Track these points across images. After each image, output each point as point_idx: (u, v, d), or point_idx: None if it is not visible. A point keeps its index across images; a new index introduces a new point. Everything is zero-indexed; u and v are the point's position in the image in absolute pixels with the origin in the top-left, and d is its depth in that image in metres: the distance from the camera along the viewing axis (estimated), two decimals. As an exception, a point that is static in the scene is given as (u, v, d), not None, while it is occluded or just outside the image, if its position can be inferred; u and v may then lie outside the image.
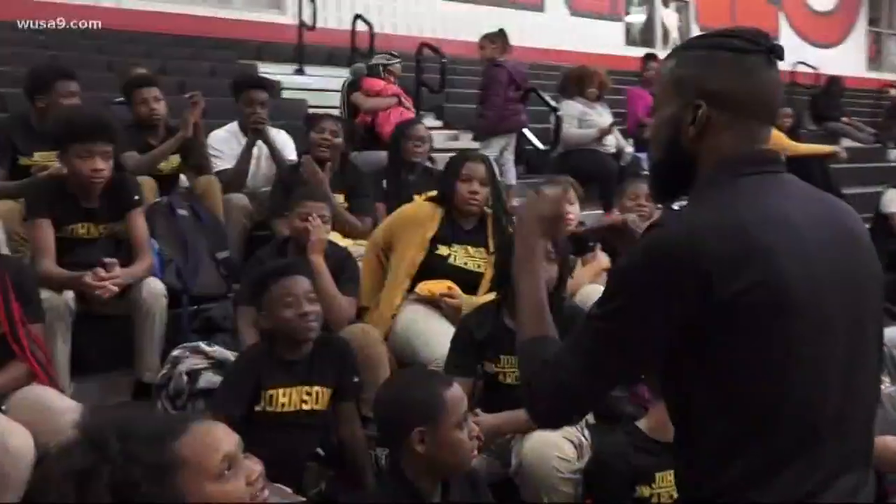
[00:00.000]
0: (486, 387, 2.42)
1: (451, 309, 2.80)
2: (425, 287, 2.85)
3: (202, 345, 2.56)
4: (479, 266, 2.95)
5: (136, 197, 2.89)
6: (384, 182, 3.87)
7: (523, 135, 5.72)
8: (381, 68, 5.34)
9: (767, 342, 1.11)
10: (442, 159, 4.02)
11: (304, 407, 2.26)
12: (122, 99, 4.03)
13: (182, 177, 3.84)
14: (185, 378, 2.48)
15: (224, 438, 1.17)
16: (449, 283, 2.86)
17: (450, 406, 1.67)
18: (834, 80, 9.24)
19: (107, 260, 2.61)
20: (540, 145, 5.85)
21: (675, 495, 1.31)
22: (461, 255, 2.95)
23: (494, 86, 5.26)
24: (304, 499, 2.11)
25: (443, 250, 2.94)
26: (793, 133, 6.43)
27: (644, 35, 12.23)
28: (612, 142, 5.56)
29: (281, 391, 2.24)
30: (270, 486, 2.07)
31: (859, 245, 1.23)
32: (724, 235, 1.11)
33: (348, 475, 2.31)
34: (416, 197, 3.54)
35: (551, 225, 1.35)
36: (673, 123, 1.24)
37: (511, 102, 5.31)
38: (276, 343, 2.31)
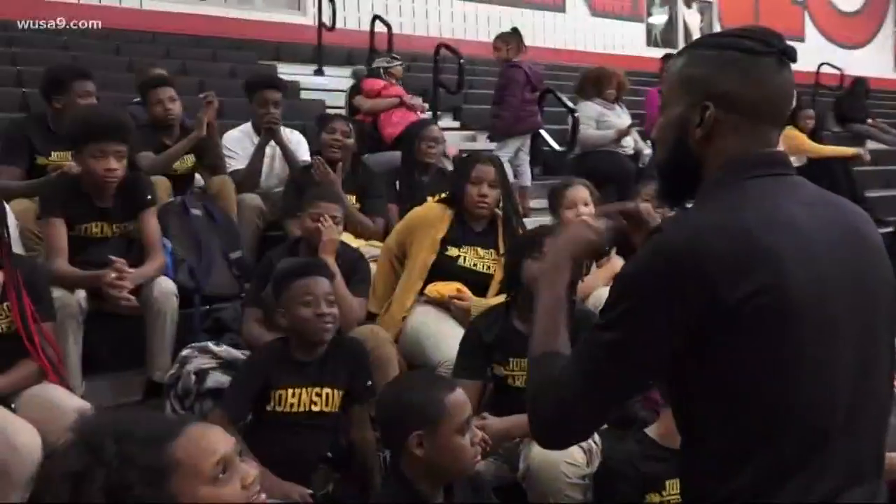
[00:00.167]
0: (495, 390, 2.41)
1: (460, 311, 2.79)
2: (434, 289, 2.85)
3: (210, 345, 2.57)
4: (488, 268, 2.94)
5: (149, 197, 2.90)
6: (396, 183, 3.86)
7: (539, 136, 5.69)
8: (381, 71, 5.35)
9: (773, 346, 1.08)
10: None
11: (314, 408, 2.25)
12: (139, 99, 4.06)
13: (197, 176, 3.86)
14: (192, 378, 2.49)
15: (219, 441, 1.17)
16: (458, 284, 2.85)
17: (450, 411, 1.66)
18: (859, 82, 9.10)
19: (114, 259, 2.61)
20: (557, 147, 5.82)
21: (684, 503, 1.28)
22: (471, 257, 2.94)
23: (512, 86, 5.24)
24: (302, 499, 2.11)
25: (452, 251, 2.93)
26: (815, 135, 6.34)
27: (665, 36, 12.12)
28: (631, 143, 5.51)
29: (290, 391, 2.24)
30: (285, 484, 2.09)
31: (870, 249, 1.20)
32: (728, 238, 1.09)
33: (356, 477, 2.30)
34: (428, 198, 3.52)
35: (584, 254, 1.36)
36: (680, 124, 1.22)
37: (528, 103, 5.28)
38: (290, 343, 2.31)
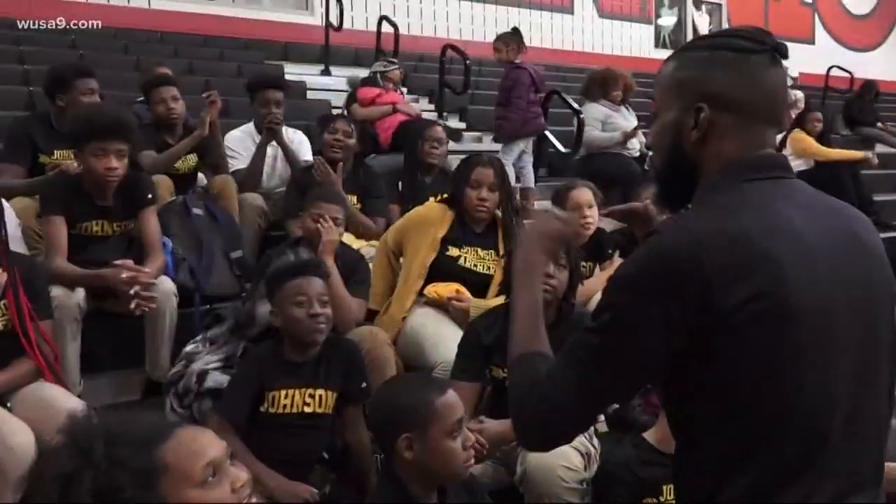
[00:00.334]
0: (493, 392, 2.39)
1: (458, 312, 2.77)
2: (433, 290, 2.84)
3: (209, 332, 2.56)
4: (488, 268, 2.93)
5: (150, 195, 2.90)
6: (399, 184, 3.85)
7: (544, 137, 5.67)
8: (378, 75, 5.35)
9: (771, 351, 1.07)
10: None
11: (307, 409, 2.24)
12: (143, 98, 4.07)
13: (200, 176, 3.86)
14: (194, 377, 2.48)
15: (209, 445, 1.16)
16: (457, 285, 2.85)
17: (440, 414, 1.63)
18: (868, 85, 9.05)
19: (120, 262, 2.61)
20: (562, 148, 5.80)
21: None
22: (472, 258, 2.93)
23: (518, 88, 5.21)
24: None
25: (453, 251, 2.92)
26: (823, 138, 6.28)
27: (674, 37, 12.09)
28: (637, 145, 5.48)
29: (284, 392, 2.23)
30: (292, 484, 2.08)
31: (870, 255, 1.18)
32: (726, 243, 1.08)
33: (353, 478, 2.29)
34: (430, 199, 3.52)
35: (554, 246, 1.34)
36: (674, 128, 1.21)
37: (532, 105, 5.26)
38: (284, 344, 2.30)
